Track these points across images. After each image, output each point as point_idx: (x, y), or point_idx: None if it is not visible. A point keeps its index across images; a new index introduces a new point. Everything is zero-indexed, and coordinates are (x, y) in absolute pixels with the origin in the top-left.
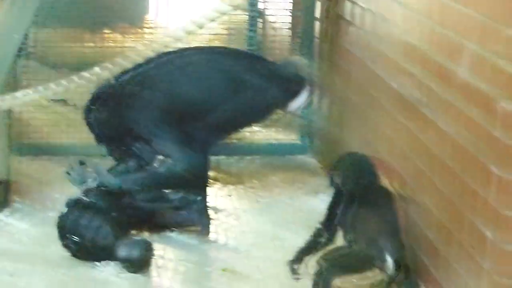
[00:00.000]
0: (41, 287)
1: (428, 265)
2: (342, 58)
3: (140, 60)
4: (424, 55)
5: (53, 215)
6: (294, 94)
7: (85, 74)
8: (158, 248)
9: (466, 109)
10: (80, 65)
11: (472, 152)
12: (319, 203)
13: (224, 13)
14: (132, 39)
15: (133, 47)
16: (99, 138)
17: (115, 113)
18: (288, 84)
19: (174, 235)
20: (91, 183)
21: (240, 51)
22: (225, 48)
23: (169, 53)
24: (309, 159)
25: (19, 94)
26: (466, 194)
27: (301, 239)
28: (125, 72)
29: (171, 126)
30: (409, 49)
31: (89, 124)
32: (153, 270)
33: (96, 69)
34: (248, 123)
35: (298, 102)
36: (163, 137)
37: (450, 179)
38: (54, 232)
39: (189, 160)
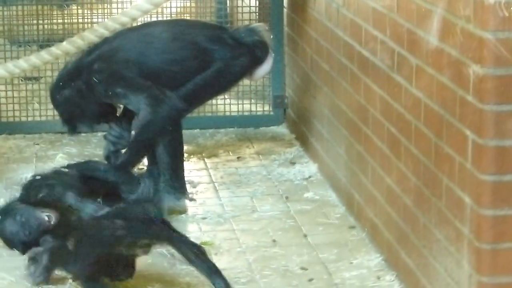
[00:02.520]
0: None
1: (407, 231)
2: (311, 27)
3: (107, 33)
4: (393, 22)
5: None
6: (259, 60)
7: (54, 49)
8: None
9: (438, 74)
10: (49, 42)
11: (447, 117)
12: (295, 173)
13: None
14: (100, 14)
15: (101, 22)
16: (66, 119)
17: (83, 93)
18: (252, 51)
19: None
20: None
21: (202, 22)
22: (187, 20)
23: (133, 28)
24: (283, 130)
25: None
26: (442, 159)
27: (278, 211)
28: (90, 51)
29: (133, 79)
30: (378, 16)
31: (56, 102)
32: None
33: (65, 44)
34: (216, 93)
35: (263, 69)
36: (128, 92)
37: (426, 145)
38: None
39: (163, 98)
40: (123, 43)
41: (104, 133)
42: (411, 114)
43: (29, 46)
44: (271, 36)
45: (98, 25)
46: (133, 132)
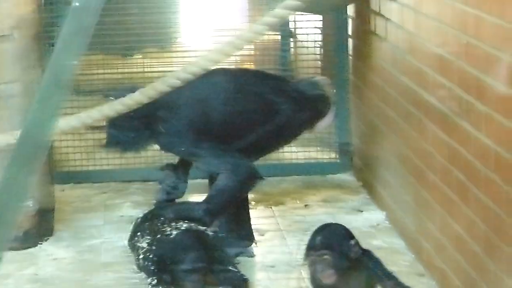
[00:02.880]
0: None
1: (477, 279)
2: (377, 74)
3: (178, 84)
4: (460, 68)
5: (97, 242)
6: (321, 114)
7: (127, 99)
8: None
9: (507, 121)
10: (110, 91)
11: None
12: (362, 221)
13: (260, 34)
14: (162, 63)
15: (172, 71)
16: (112, 142)
17: (140, 131)
18: (314, 104)
19: None
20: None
21: (266, 73)
22: (251, 70)
23: (199, 76)
24: (349, 177)
25: (62, 122)
26: None
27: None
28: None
29: (210, 142)
30: (444, 62)
31: (109, 127)
32: None
33: (137, 94)
34: (277, 146)
35: (324, 122)
36: (206, 155)
37: (496, 192)
38: (98, 260)
39: (242, 166)
40: (189, 93)
41: (159, 179)
42: (480, 161)
43: (95, 95)
44: (334, 90)
45: (170, 75)
46: (211, 193)
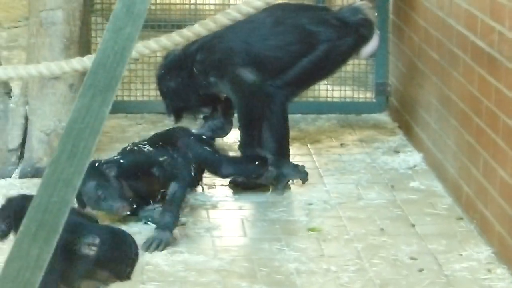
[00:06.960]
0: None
1: None
2: (419, 15)
3: (240, 17)
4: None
5: None
6: (365, 39)
7: (185, 31)
8: (242, 207)
9: None
10: (180, 24)
11: None
12: (399, 162)
13: None
14: None
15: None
16: (170, 108)
17: (186, 83)
18: (357, 29)
19: (254, 195)
20: None
21: (305, 4)
22: (290, 3)
23: None
24: (385, 118)
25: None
26: None
27: (385, 199)
28: (196, 40)
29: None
30: (496, 5)
31: (161, 92)
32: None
33: (197, 26)
34: (323, 75)
35: (370, 47)
36: (226, 79)
37: None
38: None
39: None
40: (227, 31)
41: (204, 115)
42: None
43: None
44: (376, 14)
45: (231, 8)
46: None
